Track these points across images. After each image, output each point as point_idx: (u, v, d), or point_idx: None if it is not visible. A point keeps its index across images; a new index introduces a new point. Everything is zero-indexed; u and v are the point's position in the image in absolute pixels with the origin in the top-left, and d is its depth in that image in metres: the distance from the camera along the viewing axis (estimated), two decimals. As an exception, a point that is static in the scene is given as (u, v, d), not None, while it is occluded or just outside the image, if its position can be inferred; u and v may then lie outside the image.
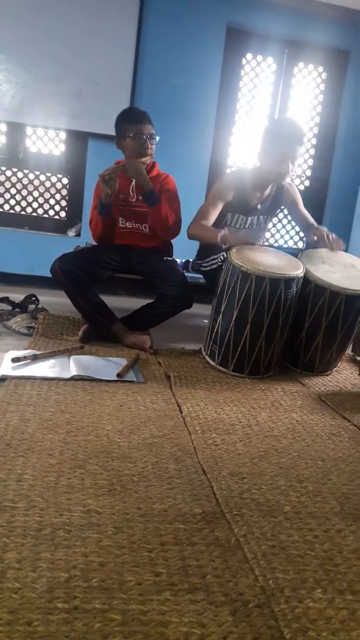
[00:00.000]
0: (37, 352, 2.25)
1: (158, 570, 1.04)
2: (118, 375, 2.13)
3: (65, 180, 4.10)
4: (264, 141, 2.63)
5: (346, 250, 2.74)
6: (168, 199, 2.68)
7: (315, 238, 2.66)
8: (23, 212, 4.11)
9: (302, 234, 4.47)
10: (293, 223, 4.39)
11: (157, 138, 2.67)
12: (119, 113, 2.71)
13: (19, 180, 4.05)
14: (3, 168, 4.00)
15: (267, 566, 1.09)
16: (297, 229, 4.45)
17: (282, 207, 2.95)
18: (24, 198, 4.09)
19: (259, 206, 2.78)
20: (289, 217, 4.37)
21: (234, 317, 2.32)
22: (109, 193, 2.56)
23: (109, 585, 0.98)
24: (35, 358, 2.20)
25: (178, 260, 2.93)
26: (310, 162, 4.36)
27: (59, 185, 4.10)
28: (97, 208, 2.65)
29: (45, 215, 4.14)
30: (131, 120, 2.64)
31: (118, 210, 2.72)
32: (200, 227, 2.61)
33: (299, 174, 4.36)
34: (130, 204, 2.75)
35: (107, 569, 1.03)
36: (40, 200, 4.11)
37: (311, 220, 2.84)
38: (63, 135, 3.99)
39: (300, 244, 4.50)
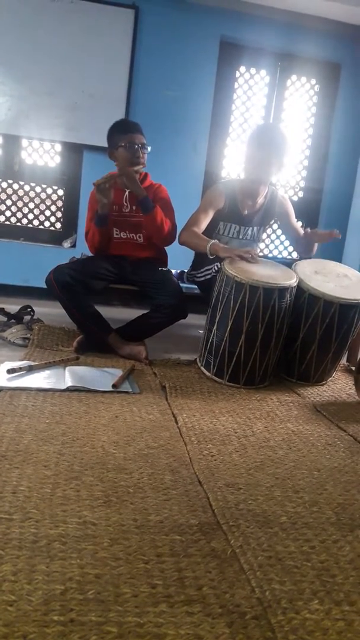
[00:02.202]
0: (33, 363, 2.25)
1: (154, 582, 1.04)
2: (113, 386, 2.13)
3: (60, 192, 4.12)
4: (246, 145, 2.73)
5: (340, 261, 2.76)
6: (162, 206, 2.70)
7: (309, 229, 2.72)
8: (19, 224, 4.12)
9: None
10: (287, 233, 4.43)
11: (149, 148, 2.70)
12: (111, 125, 2.75)
13: (15, 192, 4.06)
14: (-1, 180, 4.03)
15: (264, 577, 1.09)
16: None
17: (275, 218, 2.97)
18: (19, 209, 4.10)
19: (247, 212, 2.80)
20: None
21: (229, 327, 2.32)
22: (105, 203, 2.59)
23: (104, 598, 0.98)
24: (30, 369, 2.20)
25: (173, 271, 2.94)
26: (304, 173, 4.40)
27: (54, 197, 4.12)
28: (94, 219, 2.67)
29: (41, 227, 4.16)
30: (123, 131, 2.67)
31: (112, 220, 2.74)
32: (191, 234, 2.61)
33: (292, 184, 4.39)
34: (124, 214, 2.77)
35: (103, 581, 1.02)
36: (36, 211, 4.13)
37: (302, 233, 2.88)
38: (58, 147, 4.01)
39: (295, 254, 4.52)
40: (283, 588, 1.06)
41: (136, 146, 2.65)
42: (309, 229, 2.76)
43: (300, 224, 2.99)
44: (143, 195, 2.63)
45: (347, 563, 1.17)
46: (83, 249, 3.37)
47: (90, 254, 2.94)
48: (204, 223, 2.68)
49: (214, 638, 0.91)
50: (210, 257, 2.51)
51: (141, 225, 2.76)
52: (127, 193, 2.72)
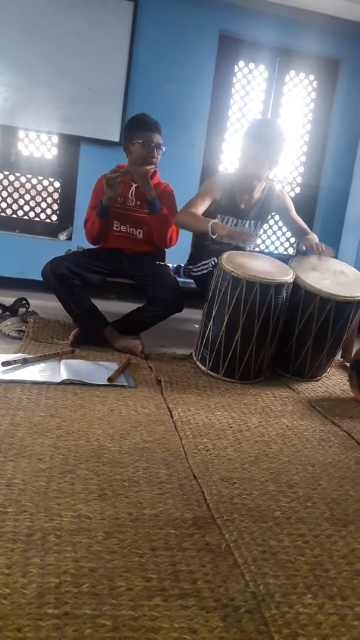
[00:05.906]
0: (28, 356, 2.25)
1: (149, 576, 1.04)
2: (109, 379, 2.12)
3: (57, 184, 4.10)
4: (242, 139, 2.71)
5: (336, 257, 2.76)
6: (168, 207, 2.71)
7: (304, 248, 2.70)
8: (14, 215, 4.10)
9: (292, 240, 4.50)
10: (283, 229, 4.44)
11: (164, 149, 2.70)
12: (131, 117, 2.75)
13: (11, 183, 4.04)
14: (-5, 171, 4.00)
15: (258, 571, 1.09)
16: (288, 235, 4.48)
17: (273, 213, 2.97)
18: (15, 201, 4.08)
19: (244, 206, 2.79)
20: (280, 224, 4.42)
21: (225, 322, 2.32)
22: (111, 196, 2.58)
23: (99, 591, 0.98)
24: (25, 362, 2.19)
25: (170, 265, 2.93)
26: (301, 169, 4.40)
27: (50, 189, 4.10)
28: (96, 209, 2.66)
29: (37, 219, 4.14)
30: (142, 127, 2.66)
31: (115, 213, 2.73)
32: (189, 215, 2.56)
33: (289, 180, 4.39)
34: (128, 208, 2.76)
35: (97, 574, 1.02)
36: (32, 203, 4.10)
37: (303, 225, 2.87)
38: (55, 139, 3.99)
39: (291, 250, 4.52)
40: (277, 582, 1.07)
41: (152, 145, 2.65)
42: (314, 240, 2.74)
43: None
44: (152, 196, 2.63)
45: (341, 558, 1.18)
46: (79, 242, 3.36)
47: (86, 246, 2.93)
48: (201, 208, 2.63)
49: (208, 631, 0.92)
50: (212, 237, 2.46)
51: (143, 222, 2.76)
52: (133, 187, 2.72)
